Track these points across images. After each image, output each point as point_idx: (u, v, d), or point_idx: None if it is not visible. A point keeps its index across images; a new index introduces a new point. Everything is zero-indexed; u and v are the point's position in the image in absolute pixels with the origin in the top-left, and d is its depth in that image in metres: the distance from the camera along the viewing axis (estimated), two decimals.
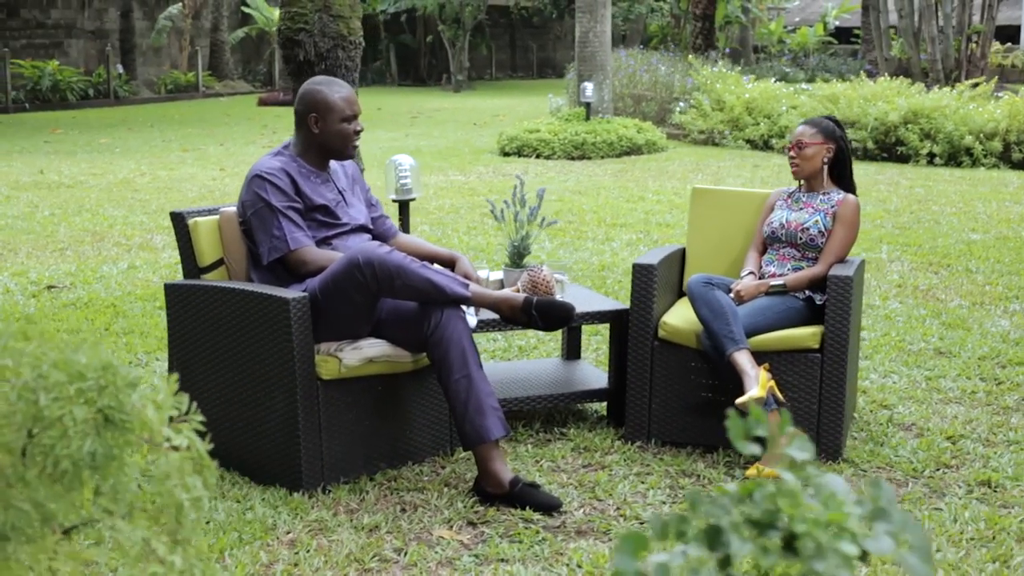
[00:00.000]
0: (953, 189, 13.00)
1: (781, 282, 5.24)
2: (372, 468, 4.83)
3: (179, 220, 5.02)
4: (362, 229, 5.02)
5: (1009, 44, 35.16)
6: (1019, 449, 5.18)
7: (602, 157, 16.47)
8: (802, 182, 5.52)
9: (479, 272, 5.51)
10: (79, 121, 23.87)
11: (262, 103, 29.19)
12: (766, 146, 16.91)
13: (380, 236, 5.17)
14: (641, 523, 4.43)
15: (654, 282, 5.21)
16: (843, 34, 42.99)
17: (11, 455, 1.76)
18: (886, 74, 18.88)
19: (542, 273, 5.19)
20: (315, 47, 7.45)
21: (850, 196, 5.40)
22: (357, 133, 4.95)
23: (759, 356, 5.04)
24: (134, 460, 1.85)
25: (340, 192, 5.01)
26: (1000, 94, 16.79)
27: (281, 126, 22.29)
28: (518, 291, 5.20)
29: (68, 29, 30.35)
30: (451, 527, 4.38)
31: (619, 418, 5.42)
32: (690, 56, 21.60)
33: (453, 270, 5.03)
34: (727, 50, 28.70)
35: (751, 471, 4.88)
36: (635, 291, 5.24)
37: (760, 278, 5.37)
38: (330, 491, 4.66)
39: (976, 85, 16.97)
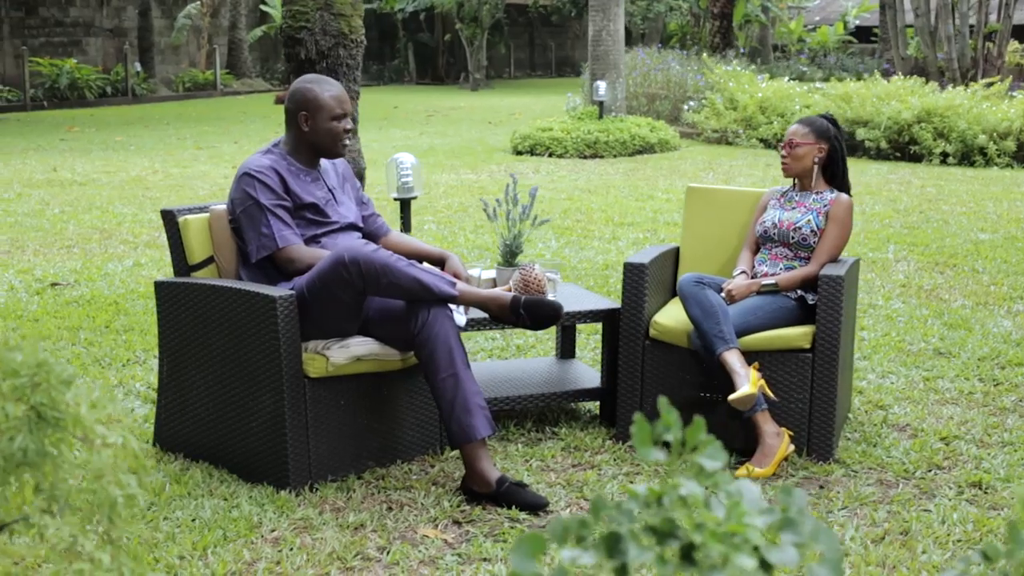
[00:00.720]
0: (964, 188, 12.93)
1: (773, 281, 5.21)
2: (360, 466, 4.83)
3: (169, 218, 5.03)
4: (352, 227, 5.02)
5: None
6: (1013, 450, 5.15)
7: (615, 156, 16.45)
8: (795, 181, 5.50)
9: (472, 271, 5.51)
10: (96, 119, 23.95)
11: (279, 101, 29.20)
12: (780, 145, 16.87)
13: (371, 234, 5.17)
14: None
15: (645, 281, 5.19)
16: (863, 33, 42.80)
17: None
18: (899, 73, 18.80)
19: (533, 272, 5.17)
20: (316, 45, 7.45)
21: (843, 195, 5.37)
22: (347, 132, 4.95)
23: (750, 356, 5.02)
24: (72, 457, 1.84)
25: (330, 190, 5.01)
26: (1014, 93, 16.70)
27: None
28: (509, 290, 5.19)
29: (86, 27, 30.45)
30: (436, 526, 4.37)
31: (612, 417, 5.40)
32: (704, 55, 21.54)
33: (443, 269, 5.02)
34: (743, 49, 28.56)
35: (741, 472, 4.87)
36: (626, 290, 5.22)
37: (752, 278, 5.35)
38: (317, 489, 4.66)
39: (991, 84, 16.88)
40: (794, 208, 5.41)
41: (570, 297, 5.61)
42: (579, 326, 6.84)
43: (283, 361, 4.55)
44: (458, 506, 4.54)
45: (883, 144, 15.50)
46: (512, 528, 4.33)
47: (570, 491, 4.70)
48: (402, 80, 40.04)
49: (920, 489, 4.75)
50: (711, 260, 5.63)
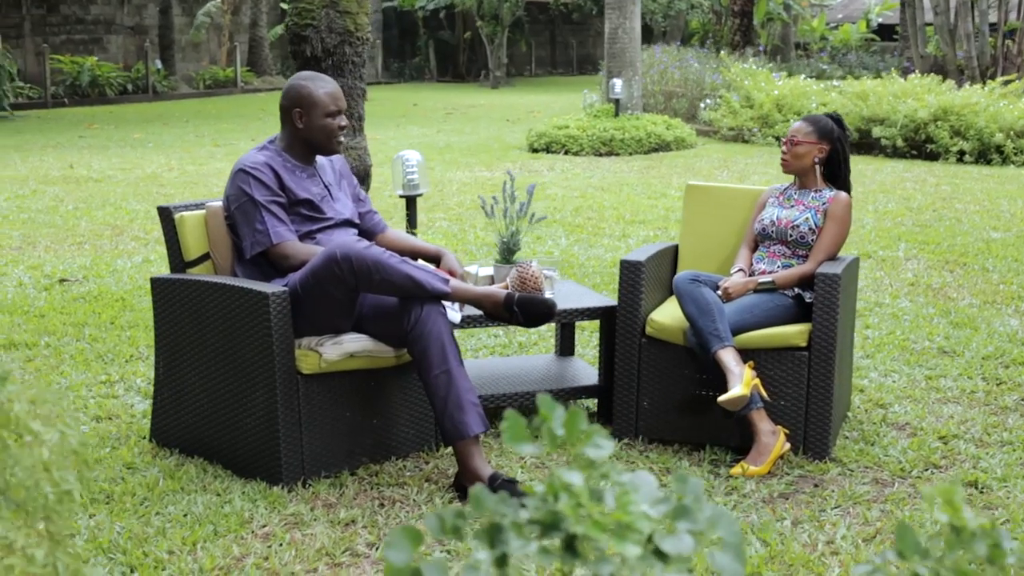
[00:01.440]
0: (980, 187, 12.87)
1: (770, 279, 5.20)
2: (354, 463, 4.83)
3: (165, 214, 5.04)
4: (348, 223, 5.03)
5: None
6: (1012, 450, 5.12)
7: (630, 154, 16.42)
8: (795, 179, 5.48)
9: (469, 267, 5.51)
10: (116, 116, 24.03)
11: None
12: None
13: (368, 231, 5.17)
14: None
15: (642, 279, 5.18)
16: (885, 31, 42.61)
17: None
18: (916, 71, 18.71)
19: (530, 269, 5.17)
20: (322, 43, 7.45)
21: (842, 194, 5.34)
22: (341, 128, 4.96)
23: (746, 354, 5.01)
24: (9, 454, 1.84)
25: (326, 186, 5.01)
26: None
27: None
28: (506, 287, 5.19)
29: (107, 25, 30.57)
30: None
31: (609, 415, 5.39)
32: (722, 53, 21.49)
33: (438, 266, 5.02)
34: (762, 47, 28.46)
35: (736, 470, 4.86)
36: (623, 288, 5.21)
37: (750, 275, 5.33)
38: (310, 485, 4.66)
39: (1008, 82, 16.78)
40: (793, 206, 5.39)
41: (568, 294, 5.61)
42: (581, 324, 6.83)
43: (276, 357, 4.56)
44: (450, 503, 4.55)
45: (899, 142, 15.43)
46: None
47: None
48: (422, 78, 40.07)
49: (915, 488, 4.73)
50: (710, 258, 5.62)
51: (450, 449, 4.97)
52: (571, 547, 1.27)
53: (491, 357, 6.44)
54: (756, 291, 5.20)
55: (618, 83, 16.82)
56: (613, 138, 16.50)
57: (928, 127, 15.28)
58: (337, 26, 7.49)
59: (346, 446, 4.81)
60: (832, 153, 5.41)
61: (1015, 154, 14.84)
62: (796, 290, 5.21)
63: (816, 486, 4.76)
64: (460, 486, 4.61)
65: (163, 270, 8.57)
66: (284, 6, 35.80)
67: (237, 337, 4.68)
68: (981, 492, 4.69)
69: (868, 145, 15.88)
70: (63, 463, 1.81)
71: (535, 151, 16.93)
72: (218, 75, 32.20)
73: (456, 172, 14.55)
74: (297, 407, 4.64)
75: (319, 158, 5.06)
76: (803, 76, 18.65)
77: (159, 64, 30.46)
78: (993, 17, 22.38)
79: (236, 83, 32.21)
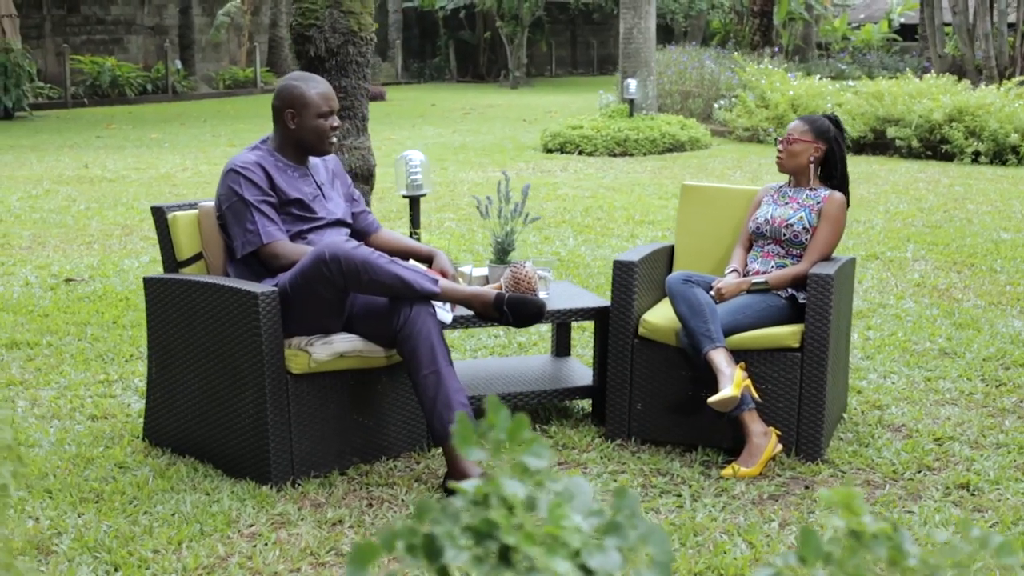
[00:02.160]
0: (993, 188, 12.80)
1: (763, 280, 5.18)
2: (344, 462, 4.84)
3: (159, 214, 5.06)
4: (340, 223, 5.03)
5: None
6: (1007, 452, 5.09)
7: (644, 154, 16.40)
8: (790, 178, 5.46)
9: (463, 268, 5.51)
10: (135, 116, 24.12)
11: None
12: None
13: (361, 231, 5.18)
14: None
15: (635, 279, 5.17)
16: (908, 31, 42.42)
17: None
18: (933, 72, 18.63)
19: (524, 269, 5.17)
20: (325, 43, 7.46)
21: (836, 193, 5.32)
22: (334, 129, 4.96)
23: (738, 355, 4.99)
24: None
25: (318, 186, 5.02)
26: None
27: None
28: (500, 287, 5.19)
29: (128, 25, 30.69)
30: None
31: (603, 416, 5.38)
32: (736, 53, 21.43)
33: (430, 266, 5.03)
34: (777, 47, 28.35)
35: (727, 471, 4.85)
36: (616, 288, 5.20)
37: (744, 276, 5.31)
38: (299, 485, 4.67)
39: None
40: (787, 204, 5.37)
41: (563, 295, 5.60)
42: (581, 324, 6.82)
43: (265, 357, 4.57)
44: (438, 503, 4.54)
45: (914, 143, 15.36)
46: None
47: None
48: (443, 78, 40.08)
49: (907, 490, 4.71)
50: (706, 258, 5.60)
51: (441, 450, 4.97)
52: (505, 557, 1.26)
53: (490, 357, 6.43)
54: (749, 292, 5.18)
55: (632, 83, 16.80)
56: (627, 138, 16.48)
57: (943, 128, 15.21)
58: (341, 26, 7.49)
59: (336, 446, 4.81)
60: (828, 153, 5.40)
61: None
62: (790, 291, 5.19)
63: (807, 488, 4.74)
64: (449, 487, 4.61)
65: None
66: None
67: (227, 337, 4.69)
68: (972, 494, 4.67)
69: (883, 146, 15.82)
70: None
71: (549, 151, 16.92)
72: (237, 75, 32.28)
73: (468, 172, 14.55)
74: (286, 407, 4.64)
75: (312, 157, 5.07)
76: (818, 76, 18.55)
77: (179, 64, 30.56)
78: (1012, 17, 22.26)
79: (256, 83, 32.28)
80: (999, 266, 8.72)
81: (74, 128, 21.43)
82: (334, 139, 4.99)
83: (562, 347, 5.93)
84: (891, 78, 17.80)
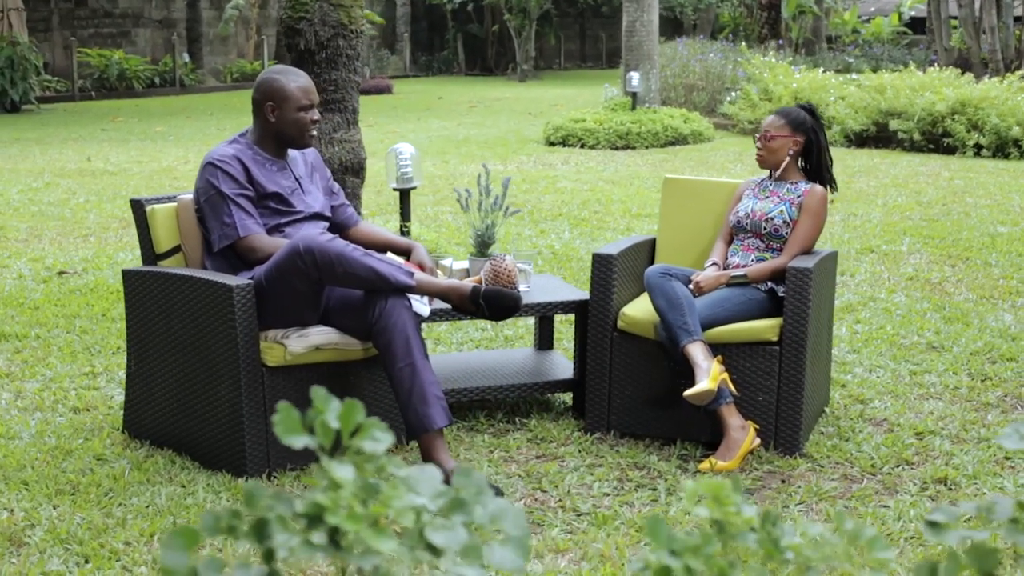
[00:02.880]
0: (993, 181, 12.75)
1: (742, 273, 5.17)
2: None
3: (138, 207, 5.07)
4: (318, 217, 5.04)
5: None
6: (987, 447, 5.08)
7: (646, 147, 16.37)
8: (771, 171, 5.45)
9: (444, 261, 5.51)
10: (141, 109, 24.15)
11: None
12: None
13: (340, 224, 5.18)
14: (578, 515, 4.40)
15: (613, 273, 5.17)
16: (918, 24, 42.24)
17: None
18: (937, 65, 18.57)
19: (504, 262, 5.18)
20: (315, 36, 7.46)
21: (817, 186, 5.31)
22: (314, 122, 4.96)
23: (717, 348, 4.98)
24: None
25: (297, 180, 5.02)
26: None
27: None
28: (480, 281, 5.19)
29: (135, 18, 30.72)
30: None
31: (583, 409, 5.38)
32: (742, 45, 21.39)
33: (408, 258, 5.03)
34: (780, 41, 28.27)
35: (704, 465, 4.84)
36: (594, 282, 5.20)
37: (725, 269, 5.30)
38: (275, 478, 4.68)
39: None
40: (768, 198, 5.36)
41: (544, 288, 5.60)
42: (568, 317, 6.81)
43: (240, 350, 4.58)
44: None
45: (916, 136, 15.30)
46: None
47: (528, 482, 4.69)
48: (451, 71, 40.02)
49: (884, 485, 4.70)
50: (688, 251, 5.59)
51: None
52: (334, 540, 1.26)
53: (476, 351, 6.43)
54: (729, 285, 5.16)
55: (635, 76, 16.77)
56: (629, 131, 16.44)
57: (945, 121, 15.15)
58: (331, 19, 7.49)
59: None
60: (808, 144, 5.38)
61: None
62: (769, 284, 5.18)
63: (783, 482, 4.74)
64: None
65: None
66: None
67: (203, 329, 4.70)
68: (949, 489, 4.66)
69: (885, 139, 15.77)
70: None
71: (552, 144, 16.89)
72: (245, 68, 32.27)
73: (470, 165, 14.54)
74: (262, 400, 4.65)
75: (291, 151, 5.07)
76: (821, 70, 18.49)
77: (187, 58, 30.58)
78: (1019, 10, 22.18)
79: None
80: (994, 260, 8.69)
81: (80, 121, 21.46)
82: (314, 132, 4.99)
83: (544, 340, 5.93)
84: (894, 71, 17.72)
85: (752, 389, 5.03)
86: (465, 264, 5.52)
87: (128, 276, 5.06)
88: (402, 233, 7.21)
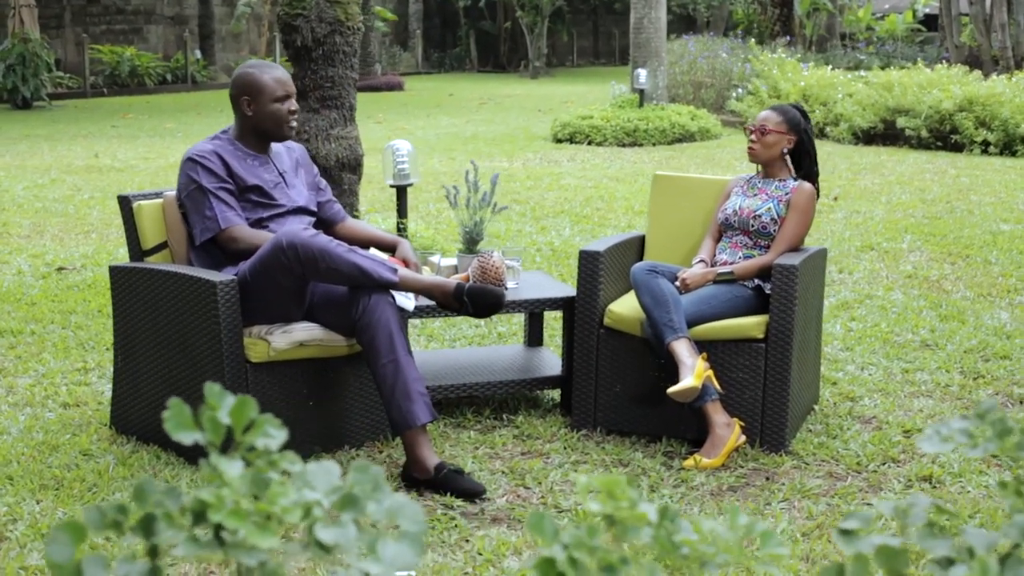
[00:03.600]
0: (999, 179, 12.70)
1: (729, 270, 5.16)
2: (305, 451, 4.84)
3: (125, 203, 5.08)
4: (302, 211, 5.04)
5: None
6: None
7: (653, 144, 16.34)
8: (759, 168, 5.44)
9: (432, 257, 5.51)
10: (152, 106, 24.21)
11: None
12: (821, 134, 16.64)
13: (326, 220, 5.18)
14: (559, 511, 4.40)
15: (600, 269, 5.16)
16: (932, 21, 42.15)
17: None
18: (944, 62, 18.51)
19: (491, 259, 5.18)
20: (312, 32, 7.47)
21: (805, 184, 5.29)
22: (292, 113, 4.97)
23: (703, 345, 4.97)
24: None
25: (280, 174, 5.03)
26: None
27: None
28: (467, 278, 5.19)
29: (147, 15, 30.80)
30: None
31: (571, 406, 5.37)
32: (751, 42, 21.35)
33: (394, 255, 5.03)
34: (790, 37, 28.19)
35: (689, 462, 4.83)
36: (581, 278, 5.19)
37: (712, 266, 5.29)
38: None
39: None
40: (756, 195, 5.35)
41: (533, 284, 5.60)
42: (558, 314, 6.80)
43: (224, 345, 4.58)
44: (394, 492, 4.54)
45: (924, 133, 15.25)
46: (444, 515, 4.33)
47: (512, 478, 4.68)
48: (463, 68, 40.05)
49: (868, 483, 4.69)
50: (677, 248, 5.58)
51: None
52: (219, 537, 1.27)
53: (467, 347, 6.43)
54: (716, 282, 5.16)
55: (642, 73, 16.75)
56: (636, 128, 16.42)
57: (953, 118, 15.10)
58: (327, 15, 7.50)
59: (296, 435, 4.80)
60: (798, 144, 5.37)
61: None
62: (756, 281, 5.17)
63: (768, 479, 4.73)
64: (408, 476, 4.61)
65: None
66: None
67: (187, 325, 4.71)
68: (934, 487, 4.65)
69: (893, 136, 15.72)
70: None
71: (559, 141, 16.89)
72: None
73: (476, 162, 14.52)
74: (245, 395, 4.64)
75: (275, 146, 5.08)
76: (830, 67, 18.44)
77: (199, 54, 30.65)
78: None
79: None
80: (994, 257, 8.65)
81: (91, 118, 21.52)
82: (293, 123, 4.99)
83: (534, 337, 5.92)
84: (902, 68, 17.66)
85: (738, 386, 5.02)
86: (453, 261, 5.53)
87: (115, 272, 5.08)
88: (398, 230, 7.21)
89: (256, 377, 4.68)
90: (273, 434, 1.31)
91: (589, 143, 16.51)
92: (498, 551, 4.04)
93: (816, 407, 5.50)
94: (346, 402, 4.95)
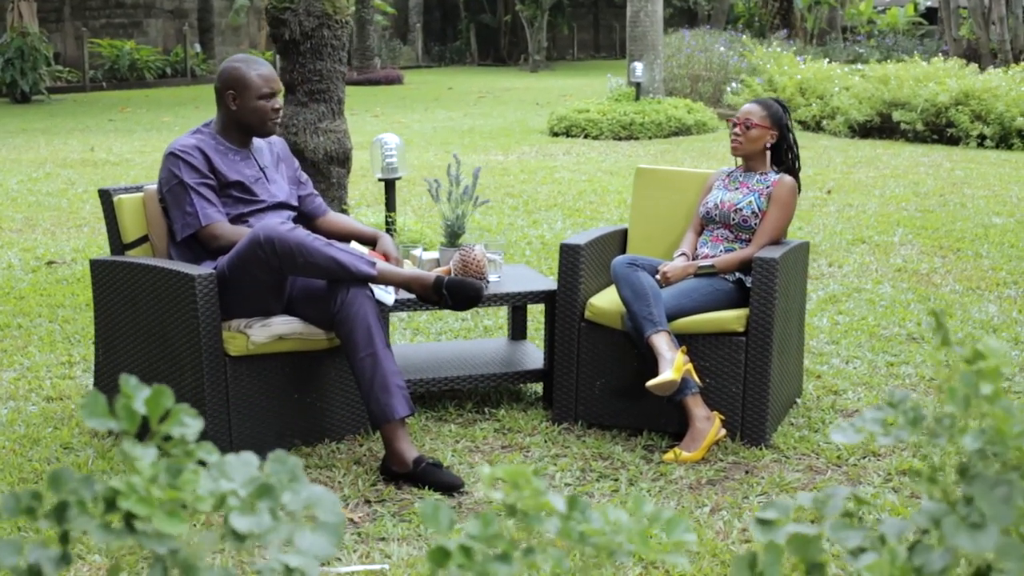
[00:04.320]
0: (994, 172, 12.69)
1: (709, 264, 5.16)
2: (285, 445, 4.85)
3: (105, 197, 5.09)
4: (283, 206, 5.04)
5: None
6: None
7: (650, 138, 16.32)
8: (739, 161, 5.44)
9: (414, 250, 5.51)
10: (151, 100, 24.21)
11: None
12: (817, 127, 16.64)
13: (307, 214, 5.18)
14: None
15: (581, 263, 5.16)
16: (934, 15, 42.11)
17: None
18: (942, 55, 18.50)
19: (473, 252, 5.18)
20: (300, 26, 7.47)
21: (786, 177, 5.29)
22: (276, 110, 4.97)
23: (683, 339, 4.97)
24: None
25: (261, 169, 5.03)
26: None
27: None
28: (448, 271, 5.19)
29: (147, 8, 30.79)
30: (346, 505, 4.38)
31: (552, 399, 5.37)
32: (745, 36, 21.33)
33: (374, 248, 5.03)
34: (787, 30, 28.18)
35: (668, 456, 4.83)
36: (562, 272, 5.19)
37: (693, 260, 5.29)
38: None
39: None
40: (737, 189, 5.34)
41: (515, 278, 5.60)
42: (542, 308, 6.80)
43: (202, 339, 4.59)
44: (372, 485, 4.55)
45: (919, 126, 15.23)
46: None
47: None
48: (464, 61, 40.02)
49: (848, 476, 4.69)
50: (659, 242, 5.58)
51: None
52: (130, 524, 1.27)
53: (450, 341, 6.43)
54: (696, 275, 5.16)
55: (639, 66, 16.73)
56: (633, 122, 16.41)
57: (949, 111, 15.08)
58: (315, 9, 7.50)
59: (276, 429, 4.83)
60: (779, 139, 5.37)
61: None
62: (737, 275, 5.17)
63: (747, 473, 4.73)
64: (387, 469, 4.62)
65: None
66: None
67: (166, 319, 4.72)
68: (913, 481, 4.63)
69: (889, 129, 15.70)
70: None
71: (555, 135, 16.88)
72: None
73: (471, 156, 14.54)
74: (224, 389, 4.66)
75: (256, 140, 5.08)
76: (827, 60, 18.43)
77: (198, 48, 30.65)
78: None
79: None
80: (985, 251, 8.65)
81: (89, 112, 21.52)
82: (277, 120, 4.99)
83: (518, 330, 5.93)
84: (899, 61, 17.65)
85: (718, 380, 5.02)
86: (435, 254, 5.53)
87: (95, 266, 5.08)
88: (387, 223, 7.22)
89: (235, 370, 4.69)
90: (189, 423, 1.31)
91: (585, 137, 16.50)
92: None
93: (799, 400, 5.50)
94: (326, 396, 4.95)
